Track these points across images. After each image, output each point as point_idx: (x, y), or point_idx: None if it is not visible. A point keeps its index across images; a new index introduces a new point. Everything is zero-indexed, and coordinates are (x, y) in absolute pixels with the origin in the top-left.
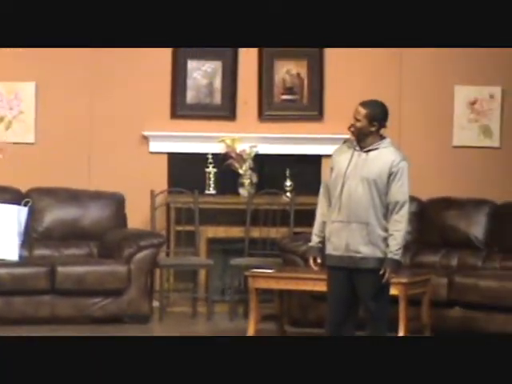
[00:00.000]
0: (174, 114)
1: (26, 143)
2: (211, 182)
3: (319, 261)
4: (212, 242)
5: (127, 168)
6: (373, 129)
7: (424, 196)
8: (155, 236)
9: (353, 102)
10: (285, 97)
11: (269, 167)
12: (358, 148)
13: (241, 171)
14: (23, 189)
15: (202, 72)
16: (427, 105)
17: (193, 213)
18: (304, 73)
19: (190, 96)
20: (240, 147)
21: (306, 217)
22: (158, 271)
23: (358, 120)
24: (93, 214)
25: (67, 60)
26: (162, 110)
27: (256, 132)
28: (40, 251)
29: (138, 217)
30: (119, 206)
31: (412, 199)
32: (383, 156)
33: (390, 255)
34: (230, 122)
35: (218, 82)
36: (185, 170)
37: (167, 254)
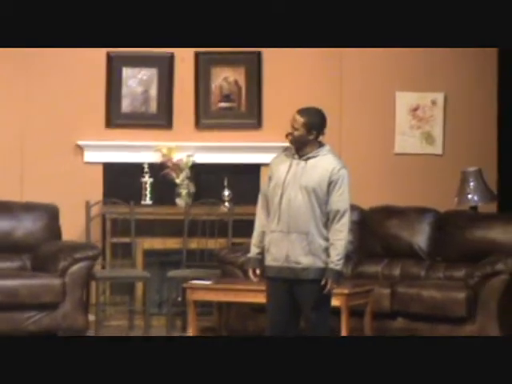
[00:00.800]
0: (109, 123)
1: None
2: (147, 193)
3: (259, 272)
4: (149, 253)
5: (61, 178)
6: (311, 137)
7: (365, 204)
8: (90, 248)
9: (292, 109)
10: (222, 104)
11: (206, 177)
12: (296, 156)
13: (177, 181)
14: None
15: (138, 80)
16: (368, 111)
17: (129, 224)
18: (242, 80)
19: (126, 104)
20: (177, 156)
21: (245, 227)
22: (93, 284)
23: (295, 129)
24: (26, 226)
25: None
26: (97, 118)
27: (193, 141)
28: None
29: (72, 228)
30: (53, 218)
31: (353, 208)
32: (322, 164)
33: (331, 265)
34: (166, 131)
35: (153, 90)
36: (120, 180)
37: (103, 267)
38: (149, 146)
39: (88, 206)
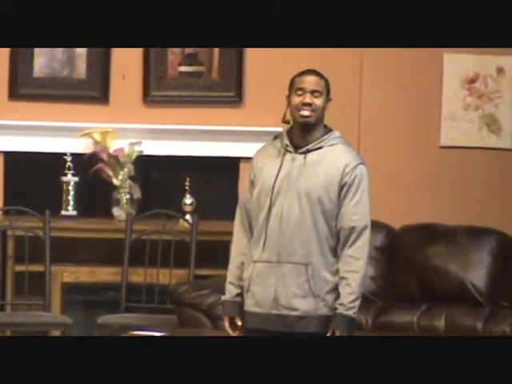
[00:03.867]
0: (14, 93)
1: None
2: (70, 198)
3: (239, 323)
4: (70, 289)
5: None
6: (327, 107)
7: (395, 222)
8: None
9: (286, 79)
10: (184, 68)
11: (159, 176)
12: (290, 148)
13: (116, 181)
14: None
15: None
16: (398, 83)
17: (42, 244)
18: None
19: (39, 66)
20: (115, 145)
21: (214, 253)
22: None
23: (316, 95)
24: None
25: None
26: None
27: (139, 122)
28: None
29: None
30: None
31: (376, 226)
32: (330, 158)
33: (340, 309)
34: (99, 107)
35: None
36: (30, 178)
37: (1, 308)
38: (73, 129)
39: None
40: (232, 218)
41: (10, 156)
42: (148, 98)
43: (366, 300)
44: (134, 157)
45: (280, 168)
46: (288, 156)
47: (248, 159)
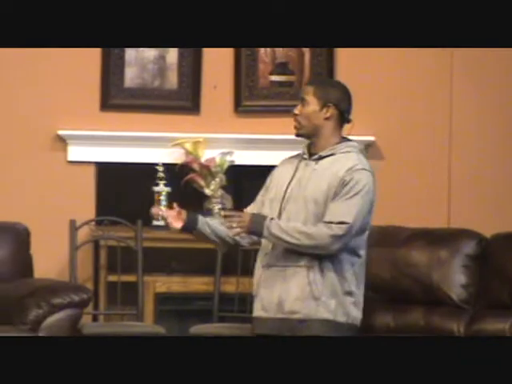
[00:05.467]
0: (106, 104)
1: None
2: (162, 208)
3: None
4: (163, 299)
5: (32, 185)
6: (327, 116)
7: (486, 230)
8: (76, 290)
9: (379, 89)
10: (275, 78)
11: (250, 185)
12: (306, 155)
13: (207, 191)
14: None
15: None
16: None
17: (134, 255)
18: None
19: (130, 76)
20: (206, 155)
21: None
22: None
23: (304, 103)
24: None
25: None
26: (88, 97)
27: (230, 131)
28: None
29: (49, 260)
30: (21, 244)
31: (468, 234)
32: (339, 164)
33: (270, 220)
34: (190, 116)
35: (172, 56)
36: (122, 188)
37: (94, 318)
38: (165, 139)
39: (73, 228)
40: None
41: (102, 166)
42: (239, 107)
43: (457, 308)
44: (225, 166)
45: (293, 175)
46: (302, 163)
47: None
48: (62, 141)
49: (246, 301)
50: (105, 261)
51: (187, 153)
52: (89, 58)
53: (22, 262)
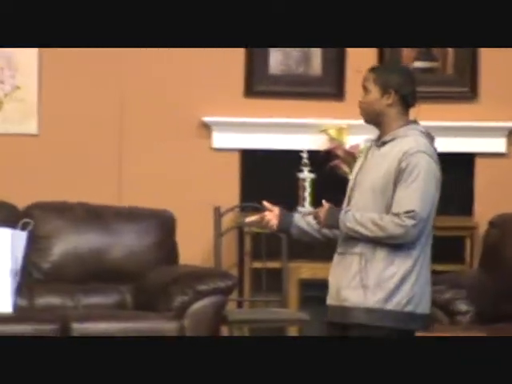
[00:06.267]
0: (250, 91)
1: (26, 134)
2: (306, 195)
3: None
4: (307, 285)
5: (177, 172)
6: (389, 102)
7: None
8: (221, 276)
9: None
10: (419, 64)
11: None
12: (375, 142)
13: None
14: (20, 204)
15: None
16: None
17: (278, 241)
18: None
19: (274, 63)
20: (351, 141)
21: (451, 248)
22: (225, 330)
23: (366, 91)
24: (126, 244)
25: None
26: (232, 84)
27: None
28: (45, 299)
29: (194, 247)
30: (166, 231)
31: None
32: (397, 148)
33: (343, 212)
34: (335, 103)
35: None
36: (266, 175)
37: (239, 305)
38: (309, 125)
39: (218, 215)
40: (468, 213)
41: (246, 153)
42: None
43: None
44: None
45: (363, 162)
46: (371, 150)
47: (483, 155)
48: (207, 127)
49: None
50: (249, 247)
51: (331, 139)
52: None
53: (168, 248)
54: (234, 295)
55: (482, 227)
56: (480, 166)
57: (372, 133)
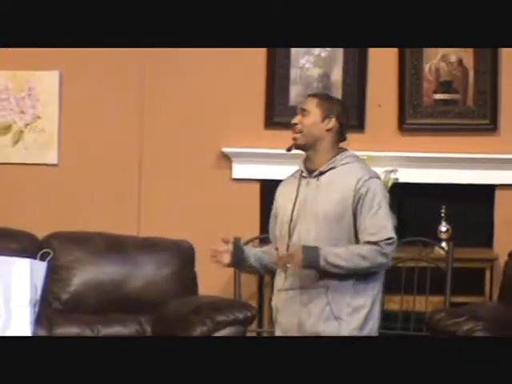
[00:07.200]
0: (270, 122)
1: (45, 165)
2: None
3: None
4: None
5: (196, 203)
6: (328, 127)
7: None
8: (241, 307)
9: None
10: (439, 96)
11: (414, 203)
12: (305, 173)
13: None
14: (40, 234)
15: (314, 57)
16: None
17: None
18: (469, 59)
19: (295, 94)
20: None
21: (471, 279)
22: None
23: (304, 114)
24: (145, 274)
25: None
26: (252, 115)
27: (395, 149)
28: (64, 329)
29: (213, 278)
30: (186, 262)
31: None
32: (343, 177)
33: (321, 250)
34: (356, 135)
35: (337, 74)
36: None
37: (259, 335)
38: None
39: None
40: (485, 245)
41: (266, 183)
42: (403, 125)
43: None
44: (389, 184)
45: (297, 195)
46: (303, 181)
47: (504, 186)
48: (227, 158)
49: (409, 319)
50: (268, 278)
51: None
52: (254, 78)
53: (187, 279)
54: (254, 326)
55: (502, 259)
56: (500, 197)
57: (391, 164)
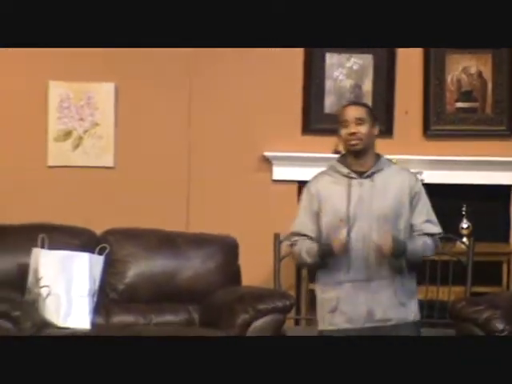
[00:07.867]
0: (307, 128)
1: (103, 167)
2: None
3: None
4: None
5: (240, 202)
6: (377, 132)
7: None
8: (280, 296)
9: None
10: (460, 105)
11: (437, 202)
12: (353, 174)
13: None
14: (98, 230)
15: (346, 70)
16: None
17: None
18: (488, 72)
19: (330, 103)
20: None
21: (489, 271)
22: None
23: (359, 123)
24: (194, 266)
25: (158, 53)
26: (291, 122)
27: (420, 153)
28: (120, 317)
29: (255, 270)
30: (230, 255)
31: None
32: (394, 177)
33: (407, 242)
34: (385, 140)
35: (367, 84)
36: None
37: (297, 322)
38: None
39: (277, 240)
40: (503, 240)
41: (303, 185)
42: (428, 131)
43: None
44: None
45: (349, 194)
46: (354, 182)
47: None
48: (268, 161)
49: (433, 307)
50: (306, 271)
51: None
52: (292, 89)
53: (231, 271)
54: (292, 314)
55: None
56: None
57: (417, 167)
